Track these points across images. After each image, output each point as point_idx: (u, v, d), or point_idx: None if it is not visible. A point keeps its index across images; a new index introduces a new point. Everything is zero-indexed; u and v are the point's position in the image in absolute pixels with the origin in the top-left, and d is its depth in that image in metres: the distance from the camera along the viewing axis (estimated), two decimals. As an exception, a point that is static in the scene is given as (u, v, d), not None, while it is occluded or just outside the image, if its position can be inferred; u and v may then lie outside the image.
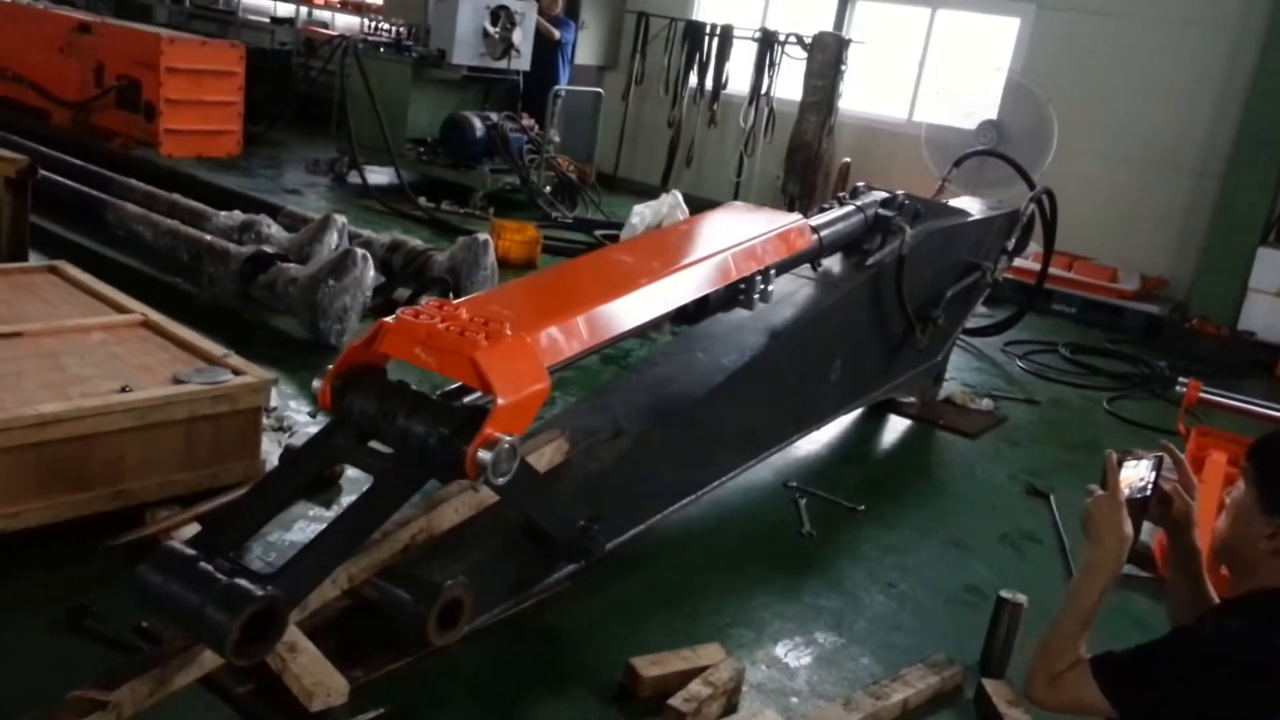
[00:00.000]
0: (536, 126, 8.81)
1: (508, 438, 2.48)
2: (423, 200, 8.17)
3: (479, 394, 2.89)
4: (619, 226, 8.31)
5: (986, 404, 5.77)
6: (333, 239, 5.53)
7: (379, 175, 8.91)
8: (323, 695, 2.61)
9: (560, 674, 3.01)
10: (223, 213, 5.89)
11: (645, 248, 3.55)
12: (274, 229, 5.75)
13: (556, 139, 8.97)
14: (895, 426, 5.34)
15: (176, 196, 6.20)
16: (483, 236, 5.69)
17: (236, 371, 3.57)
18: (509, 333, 2.65)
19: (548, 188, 8.85)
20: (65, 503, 3.18)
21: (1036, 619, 3.18)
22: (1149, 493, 2.18)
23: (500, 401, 2.51)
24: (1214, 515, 4.28)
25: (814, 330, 4.20)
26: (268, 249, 5.31)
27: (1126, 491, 2.15)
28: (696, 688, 2.88)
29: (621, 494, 3.50)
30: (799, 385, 4.33)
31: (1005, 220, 5.58)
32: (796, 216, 4.07)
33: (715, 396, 3.74)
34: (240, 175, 8.55)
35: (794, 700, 3.03)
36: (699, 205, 7.58)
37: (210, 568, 2.36)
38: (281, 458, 2.85)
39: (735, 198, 8.97)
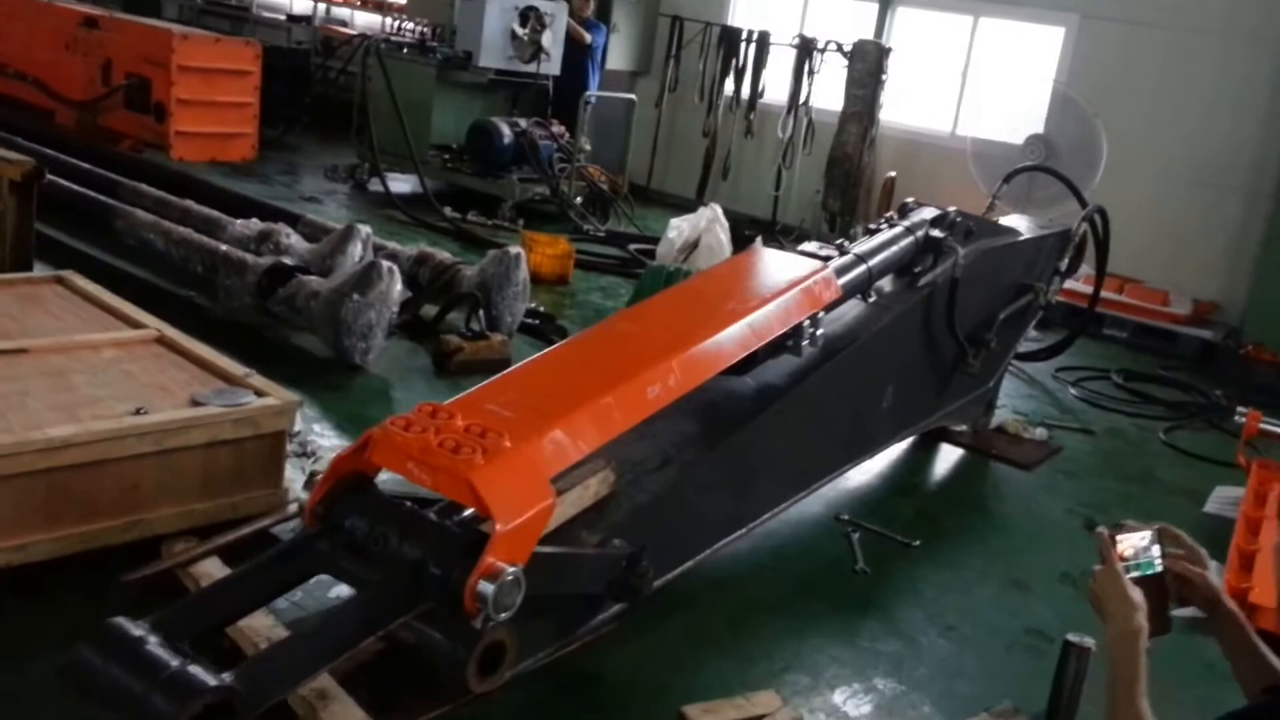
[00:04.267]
0: (567, 134, 8.58)
1: (510, 568, 2.30)
2: (448, 210, 7.94)
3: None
4: (654, 240, 8.08)
5: (1040, 433, 5.50)
6: (356, 251, 5.31)
7: (401, 183, 8.70)
8: (354, 749, 2.40)
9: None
10: (239, 221, 5.67)
11: (656, 316, 3.30)
12: (293, 239, 5.53)
13: (587, 147, 8.74)
14: (947, 456, 5.08)
15: (189, 203, 5.98)
16: (515, 250, 5.46)
17: (259, 393, 3.35)
18: (508, 444, 2.48)
19: (578, 199, 8.61)
20: (76, 534, 2.96)
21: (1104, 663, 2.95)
22: (1158, 568, 2.13)
23: (500, 528, 2.33)
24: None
25: (864, 354, 3.95)
26: (287, 260, 5.08)
27: (1130, 554, 2.12)
28: (756, 740, 2.65)
29: (669, 528, 3.28)
30: (850, 412, 4.10)
31: (1057, 240, 5.34)
32: (818, 265, 3.78)
33: (765, 424, 3.51)
34: (255, 182, 8.34)
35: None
36: (736, 220, 7.41)
37: (161, 651, 2.14)
38: (261, 560, 2.65)
39: (774, 212, 8.72)
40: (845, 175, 8.75)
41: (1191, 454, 5.73)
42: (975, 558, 4.07)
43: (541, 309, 5.91)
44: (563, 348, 3.23)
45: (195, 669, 2.10)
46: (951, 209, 4.49)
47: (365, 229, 5.41)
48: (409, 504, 2.67)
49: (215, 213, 5.80)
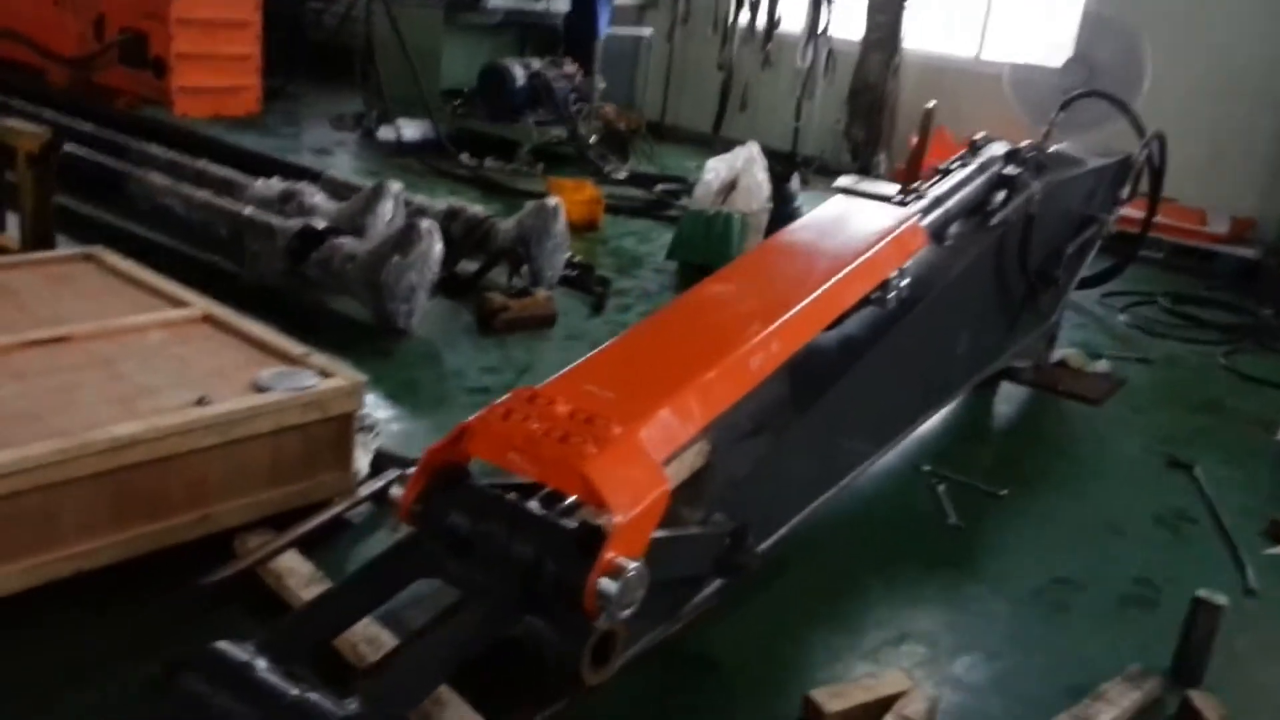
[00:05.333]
0: (580, 73, 8.27)
1: (632, 564, 2.13)
2: (464, 157, 7.67)
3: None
4: (679, 180, 7.85)
5: (1103, 366, 5.32)
6: (387, 209, 5.07)
7: (410, 130, 8.38)
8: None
9: (728, 711, 2.63)
10: (259, 181, 5.41)
11: (746, 281, 3.09)
12: (318, 198, 5.29)
13: (602, 86, 8.43)
14: (1012, 396, 4.91)
15: (204, 163, 5.71)
16: (552, 201, 5.22)
17: (323, 373, 3.15)
18: (617, 430, 2.29)
19: (593, 139, 8.32)
20: (145, 534, 2.77)
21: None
22: None
23: (619, 520, 2.16)
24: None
25: (943, 302, 3.76)
26: (317, 223, 4.84)
27: None
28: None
29: (765, 496, 3.12)
30: (929, 361, 3.92)
31: (1117, 168, 5.13)
32: (903, 213, 3.58)
33: (852, 381, 3.33)
34: (260, 135, 8.03)
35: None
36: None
37: (274, 677, 1.97)
38: (365, 568, 2.47)
39: (794, 145, 8.45)
40: (869, 105, 8.48)
41: (1255, 379, 5.57)
42: (1064, 504, 3.92)
43: (577, 259, 5.68)
44: (654, 321, 3.03)
45: (316, 696, 1.93)
46: (1025, 143, 4.28)
47: (396, 186, 5.16)
48: (511, 497, 2.50)
49: (233, 173, 5.54)
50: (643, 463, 2.35)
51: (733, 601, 2.94)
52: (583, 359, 2.71)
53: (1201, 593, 2.92)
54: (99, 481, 2.66)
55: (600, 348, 2.77)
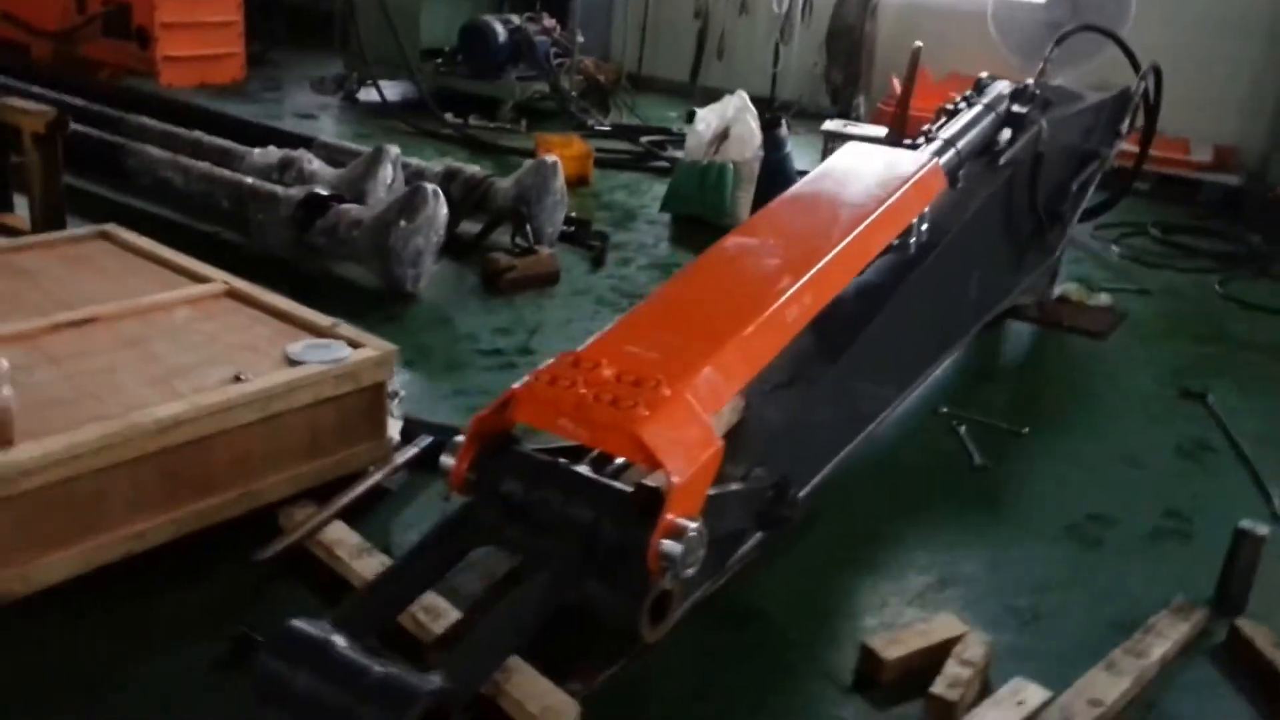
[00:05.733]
0: (558, 27, 8.18)
1: (693, 524, 2.15)
2: (449, 116, 7.58)
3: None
4: (663, 131, 7.80)
5: (1104, 299, 5.37)
6: (387, 174, 5.02)
7: (390, 91, 8.26)
8: (554, 720, 2.27)
9: (783, 661, 2.66)
10: (256, 150, 5.34)
11: (772, 233, 3.09)
12: (316, 165, 5.23)
13: (581, 40, 8.34)
14: (1018, 333, 4.95)
15: (199, 134, 5.63)
16: (551, 159, 5.19)
17: (352, 343, 3.14)
18: (667, 392, 2.30)
19: (574, 93, 8.24)
20: (192, 513, 2.77)
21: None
22: None
23: (676, 480, 2.17)
24: None
25: (958, 245, 3.78)
26: (321, 190, 4.79)
27: None
28: (955, 669, 2.53)
29: (800, 446, 3.15)
30: (944, 304, 3.96)
31: (1115, 102, 5.14)
32: (921, 157, 3.58)
33: (877, 328, 3.36)
34: (244, 101, 7.90)
35: (1042, 667, 2.67)
36: None
37: (356, 654, 1.98)
38: (426, 539, 2.47)
39: (772, 90, 8.42)
40: (847, 47, 8.43)
41: (1254, 305, 5.64)
42: (1085, 440, 3.97)
43: (574, 215, 5.65)
44: (684, 278, 3.03)
45: (400, 671, 1.95)
46: (1029, 81, 4.28)
47: (394, 150, 5.11)
48: (562, 461, 2.51)
49: (229, 143, 5.46)
50: (695, 422, 2.37)
51: (772, 554, 2.98)
52: (618, 320, 2.71)
53: (1244, 523, 2.97)
54: (146, 463, 2.65)
55: (634, 308, 2.78)
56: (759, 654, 2.68)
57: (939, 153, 3.69)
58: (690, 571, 2.23)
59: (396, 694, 1.89)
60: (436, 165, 5.45)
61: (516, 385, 2.47)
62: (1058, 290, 5.31)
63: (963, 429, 3.87)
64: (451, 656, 2.14)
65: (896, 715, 2.50)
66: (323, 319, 3.27)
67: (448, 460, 2.44)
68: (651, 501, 2.28)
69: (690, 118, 8.27)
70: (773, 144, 6.02)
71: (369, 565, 2.73)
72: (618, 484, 2.42)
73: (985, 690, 2.57)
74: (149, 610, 2.61)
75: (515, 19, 7.98)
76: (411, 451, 3.25)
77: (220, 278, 3.52)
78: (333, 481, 3.04)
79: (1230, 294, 5.81)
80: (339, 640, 2.01)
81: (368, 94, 8.14)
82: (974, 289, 4.16)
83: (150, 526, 2.70)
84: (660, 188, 6.69)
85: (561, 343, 4.34)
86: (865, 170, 3.42)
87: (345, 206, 4.68)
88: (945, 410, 3.99)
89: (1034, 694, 2.53)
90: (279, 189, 4.81)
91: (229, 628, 2.49)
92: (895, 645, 2.64)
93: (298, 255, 4.80)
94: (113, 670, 2.42)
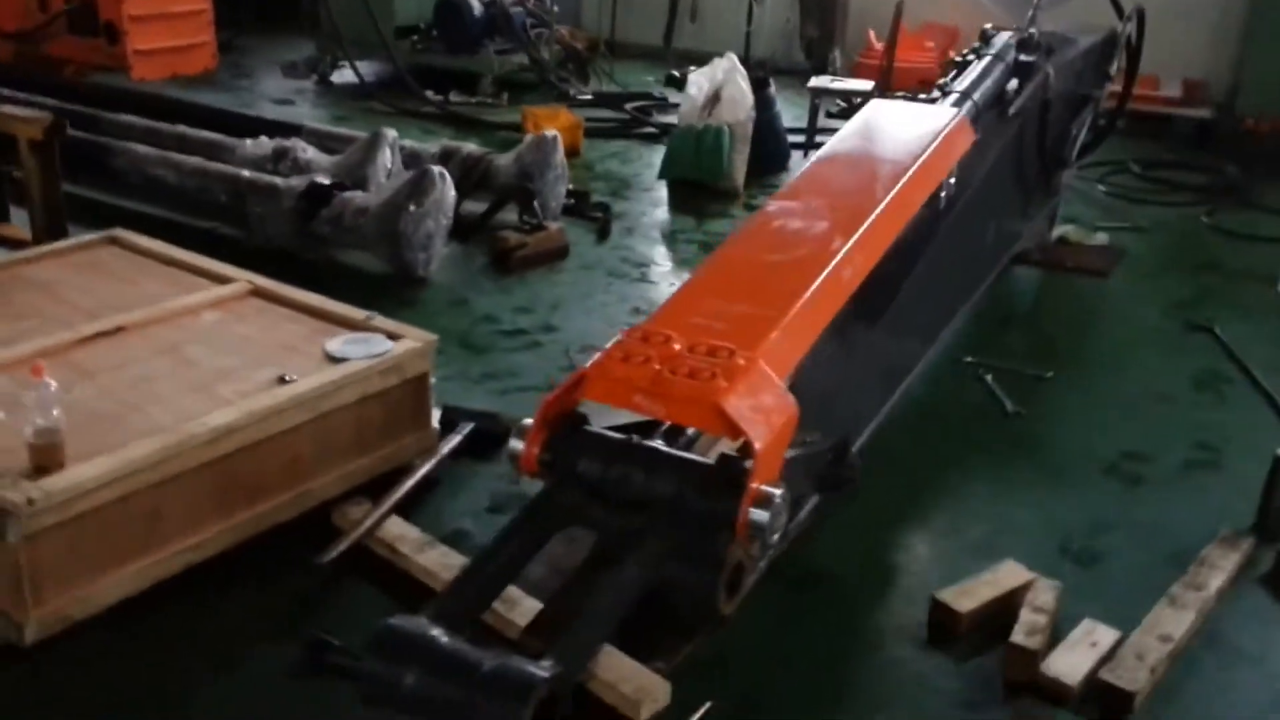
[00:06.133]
0: (532, -3, 8.08)
1: (777, 491, 2.16)
2: (429, 94, 7.48)
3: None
4: (646, 97, 7.74)
5: (1101, 238, 5.42)
6: (386, 158, 4.95)
7: (365, 71, 8.10)
8: (649, 702, 2.29)
9: (856, 621, 2.70)
10: (248, 141, 5.25)
11: (815, 195, 3.09)
12: (311, 153, 5.15)
13: (556, 8, 8.24)
14: (1023, 277, 4.98)
15: (183, 129, 5.53)
16: (550, 133, 5.15)
17: (391, 335, 3.11)
18: (742, 361, 2.30)
19: (552, 63, 8.15)
20: (247, 519, 2.76)
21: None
22: None
23: (759, 448, 2.18)
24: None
25: (978, 195, 3.80)
26: (321, 179, 4.73)
27: None
28: (1030, 617, 2.57)
29: (849, 406, 3.17)
30: (964, 255, 3.98)
31: (1103, 44, 5.16)
32: (948, 111, 3.58)
33: (911, 283, 3.37)
34: (218, 91, 7.73)
35: (1106, 606, 2.70)
36: (703, 60, 6.96)
37: (462, 647, 1.98)
38: (509, 526, 2.46)
39: (746, 49, 8.34)
40: (821, 2, 8.37)
41: (1241, 235, 5.70)
42: (1106, 379, 4.03)
43: (572, 188, 5.61)
44: (734, 245, 3.02)
45: (514, 661, 1.95)
46: (1032, 30, 4.28)
47: (392, 133, 5.05)
48: (635, 438, 2.51)
49: (217, 135, 5.37)
50: (771, 389, 2.37)
51: (826, 517, 2.99)
52: (677, 291, 2.70)
53: (1281, 451, 3.04)
54: (201, 473, 2.63)
55: (690, 279, 2.77)
56: (831, 616, 2.71)
57: (958, 105, 3.70)
58: (776, 538, 2.24)
59: (513, 684, 1.89)
60: (432, 146, 5.39)
61: (587, 365, 2.46)
62: (1056, 233, 5.36)
63: (989, 377, 3.91)
64: (561, 642, 2.13)
65: (975, 667, 2.53)
66: (357, 312, 3.25)
67: (517, 444, 2.43)
68: (734, 471, 2.29)
69: (669, 81, 8.28)
70: (762, 104, 6.00)
71: (433, 558, 2.73)
72: (697, 456, 2.43)
73: (1054, 634, 2.62)
74: (214, 622, 2.60)
75: (492, -8, 7.86)
76: (455, 440, 3.24)
77: (242, 277, 3.48)
78: (382, 476, 3.04)
79: (1216, 225, 5.87)
80: (442, 635, 2.01)
81: (341, 76, 8.01)
82: (991, 237, 4.19)
83: (207, 537, 2.68)
84: (650, 154, 6.66)
85: (583, 318, 4.35)
86: (896, 127, 3.42)
87: (349, 194, 4.62)
88: (970, 360, 4.02)
89: (1105, 635, 2.58)
90: (278, 180, 4.74)
91: (302, 632, 2.47)
92: (966, 597, 2.67)
93: (301, 246, 4.73)
94: (188, 686, 2.41)
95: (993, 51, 4.09)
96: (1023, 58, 4.11)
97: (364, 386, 2.94)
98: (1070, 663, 2.49)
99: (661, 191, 6.01)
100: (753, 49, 8.61)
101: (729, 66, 5.90)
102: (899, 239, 3.45)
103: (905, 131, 3.35)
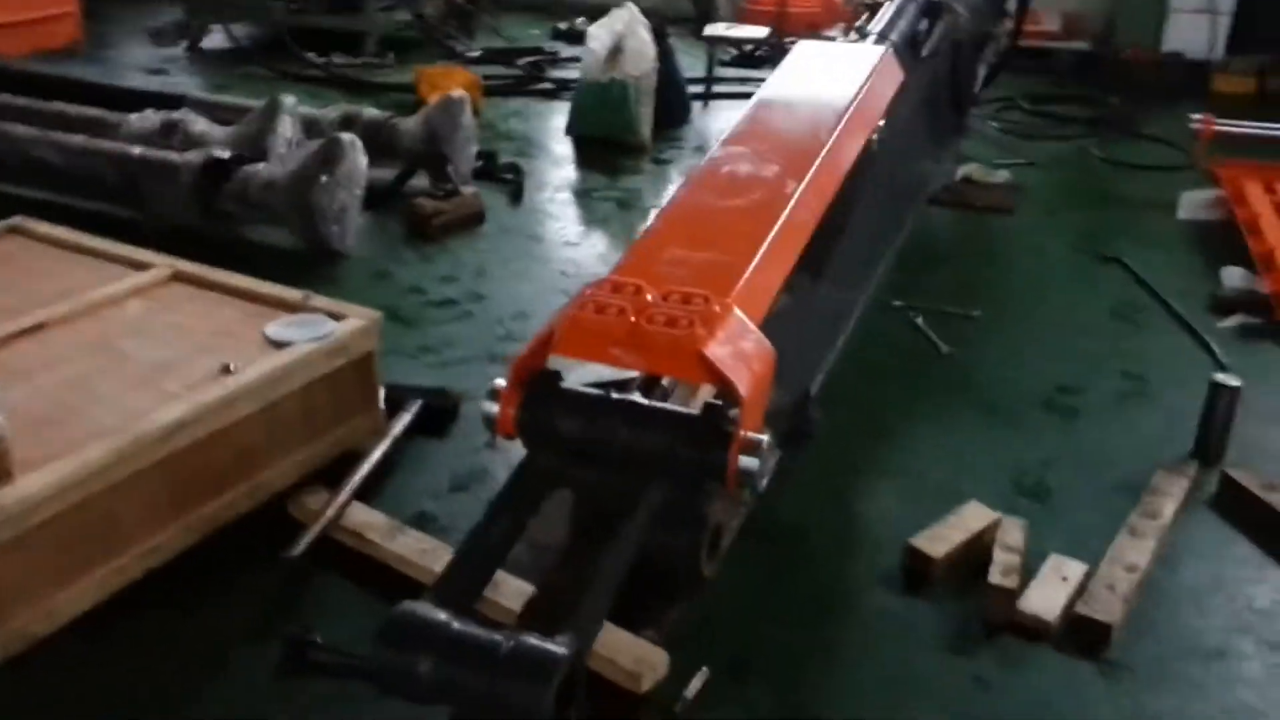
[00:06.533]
0: (406, -51, 7.79)
1: (763, 437, 2.13)
2: (311, 56, 7.19)
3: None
4: (538, 52, 7.59)
5: (1003, 175, 5.54)
6: (287, 127, 4.74)
7: (236, 35, 7.75)
8: (649, 674, 2.28)
9: (835, 574, 2.73)
10: (132, 115, 4.97)
11: (761, 139, 3.04)
12: (203, 125, 4.90)
13: (430, -40, 7.99)
14: (936, 218, 5.05)
15: (61, 105, 5.20)
16: (458, 94, 5.00)
17: (333, 315, 2.99)
18: (717, 308, 2.26)
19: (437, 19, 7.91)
20: (203, 516, 2.64)
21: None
22: None
23: (744, 394, 2.13)
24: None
25: (901, 137, 3.82)
26: (220, 153, 4.50)
27: None
28: (1004, 556, 2.63)
29: (800, 361, 3.17)
30: (889, 199, 3.99)
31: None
32: (879, 50, 3.58)
33: (852, 230, 3.38)
34: (83, 63, 7.29)
35: (1068, 539, 2.80)
36: (595, 12, 6.84)
37: (476, 629, 1.93)
38: (497, 499, 2.38)
39: (633, -3, 8.25)
40: (707, -54, 8.33)
41: (1133, 165, 5.91)
42: (1030, 314, 4.14)
43: (480, 149, 5.48)
44: (688, 193, 2.94)
45: (532, 640, 1.90)
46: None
47: (290, 100, 4.83)
48: (612, 392, 2.45)
49: (98, 111, 5.06)
50: (748, 334, 2.32)
51: (786, 472, 3.01)
52: (638, 241, 2.61)
53: (1218, 376, 3.17)
54: (155, 473, 2.50)
55: (647, 229, 2.67)
56: (807, 570, 2.73)
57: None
58: (764, 484, 2.22)
59: (534, 663, 1.83)
60: (331, 111, 5.18)
61: (557, 320, 2.37)
62: (960, 172, 5.46)
63: (919, 320, 3.97)
64: (574, 618, 2.08)
65: (955, 610, 2.59)
66: (292, 293, 3.11)
67: (490, 407, 2.33)
68: (719, 420, 2.25)
69: (558, 34, 8.14)
70: (663, 55, 5.93)
71: (406, 544, 2.66)
72: (681, 408, 2.39)
73: (1027, 571, 2.69)
74: (188, 625, 2.49)
75: (365, -55, 7.56)
76: (405, 418, 3.15)
77: (161, 261, 3.30)
78: (335, 463, 2.93)
79: (1108, 156, 6.06)
80: (451, 619, 1.95)
81: (213, 41, 7.64)
82: (912, 178, 4.23)
83: (165, 539, 2.56)
84: (549, 110, 6.55)
85: (511, 284, 4.26)
86: (829, 68, 3.40)
87: (252, 167, 4.42)
88: (898, 304, 4.08)
89: (1073, 568, 2.66)
90: (174, 156, 4.50)
91: (280, 631, 2.38)
92: (938, 542, 2.72)
93: (204, 225, 4.51)
94: (169, 695, 2.30)
95: (903, -7, 4.10)
96: (934, -1, 4.14)
97: (312, 370, 2.82)
98: (1045, 599, 2.56)
99: (566, 148, 5.92)
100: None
101: (629, 18, 5.81)
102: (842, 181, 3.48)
103: (839, 71, 3.33)
